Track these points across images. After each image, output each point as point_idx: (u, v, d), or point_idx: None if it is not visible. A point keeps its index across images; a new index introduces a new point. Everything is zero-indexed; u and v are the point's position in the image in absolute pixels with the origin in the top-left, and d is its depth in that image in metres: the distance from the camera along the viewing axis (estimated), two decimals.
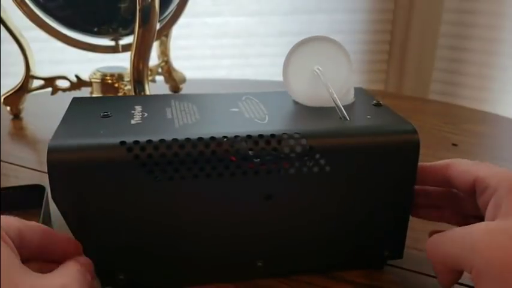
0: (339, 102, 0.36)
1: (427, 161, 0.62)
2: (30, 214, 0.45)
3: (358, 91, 0.42)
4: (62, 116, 0.35)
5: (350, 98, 0.40)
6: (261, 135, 0.31)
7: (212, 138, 0.31)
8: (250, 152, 0.31)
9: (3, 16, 0.66)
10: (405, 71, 1.54)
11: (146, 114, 0.35)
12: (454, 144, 0.63)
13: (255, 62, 1.38)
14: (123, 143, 0.30)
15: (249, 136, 0.31)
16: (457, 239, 0.30)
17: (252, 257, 0.36)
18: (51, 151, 0.30)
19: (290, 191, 0.34)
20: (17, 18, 0.67)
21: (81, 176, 0.30)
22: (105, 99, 0.41)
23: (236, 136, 0.31)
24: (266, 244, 0.36)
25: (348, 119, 0.35)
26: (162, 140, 0.30)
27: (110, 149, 0.30)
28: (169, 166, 0.30)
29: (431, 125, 0.70)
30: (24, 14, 0.65)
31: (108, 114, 0.35)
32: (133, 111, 0.36)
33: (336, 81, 0.38)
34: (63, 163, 0.30)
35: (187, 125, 0.33)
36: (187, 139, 0.31)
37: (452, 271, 0.31)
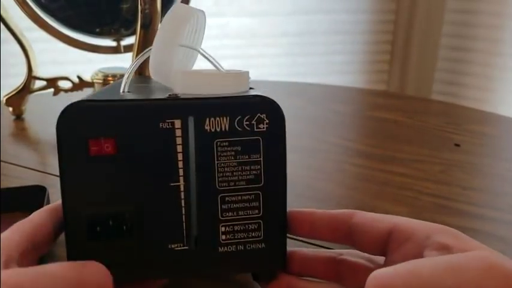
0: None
1: (429, 162, 0.62)
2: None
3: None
4: None
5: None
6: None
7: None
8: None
9: (5, 16, 0.66)
10: (407, 71, 1.54)
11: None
12: (456, 145, 0.63)
13: (256, 62, 1.38)
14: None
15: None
16: None
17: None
18: None
19: None
20: (18, 18, 0.67)
21: None
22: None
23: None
24: None
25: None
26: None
27: None
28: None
29: (433, 125, 0.70)
30: (25, 15, 0.65)
31: None
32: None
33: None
34: None
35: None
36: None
37: None
